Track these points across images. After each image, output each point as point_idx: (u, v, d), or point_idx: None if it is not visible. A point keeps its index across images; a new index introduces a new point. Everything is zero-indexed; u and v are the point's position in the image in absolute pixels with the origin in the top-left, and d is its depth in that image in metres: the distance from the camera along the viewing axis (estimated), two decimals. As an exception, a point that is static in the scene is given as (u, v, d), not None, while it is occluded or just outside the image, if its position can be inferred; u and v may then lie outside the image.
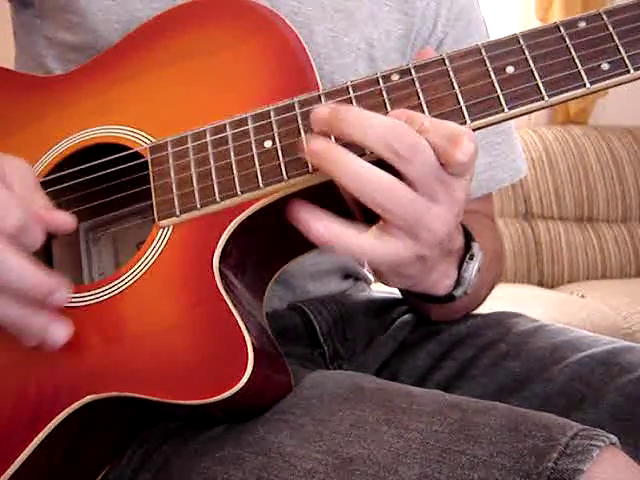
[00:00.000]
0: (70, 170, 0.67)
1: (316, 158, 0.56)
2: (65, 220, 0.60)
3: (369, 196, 0.55)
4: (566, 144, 3.12)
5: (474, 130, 0.58)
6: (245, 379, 0.54)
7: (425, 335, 0.83)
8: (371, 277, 0.97)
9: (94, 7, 0.76)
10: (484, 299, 0.86)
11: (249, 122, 0.62)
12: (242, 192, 0.60)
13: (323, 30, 0.80)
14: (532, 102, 0.57)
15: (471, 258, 0.68)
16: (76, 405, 0.57)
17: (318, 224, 0.55)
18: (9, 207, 0.56)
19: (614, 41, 0.57)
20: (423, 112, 0.58)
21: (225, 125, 0.62)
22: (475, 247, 0.69)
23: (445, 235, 0.58)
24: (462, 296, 0.70)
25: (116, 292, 0.61)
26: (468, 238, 0.69)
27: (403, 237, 0.56)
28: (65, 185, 0.67)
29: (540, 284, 2.98)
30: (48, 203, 0.61)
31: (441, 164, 0.55)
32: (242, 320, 0.57)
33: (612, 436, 0.51)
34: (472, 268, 0.68)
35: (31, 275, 0.56)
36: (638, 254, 3.04)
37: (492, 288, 0.86)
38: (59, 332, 0.58)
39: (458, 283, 0.69)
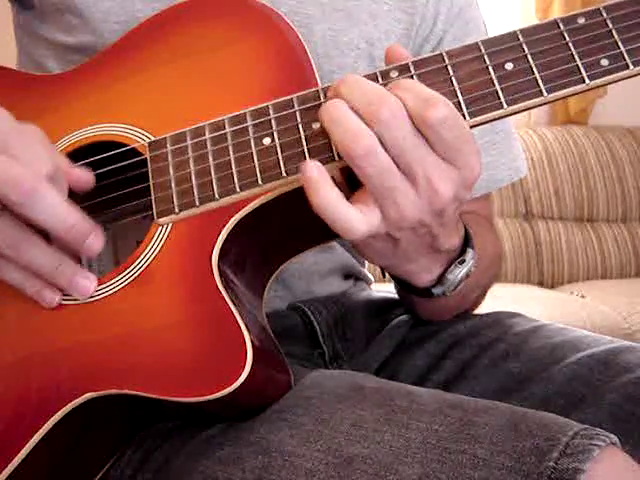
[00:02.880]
0: None
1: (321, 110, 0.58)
2: (85, 175, 0.62)
3: (352, 152, 0.55)
4: (566, 144, 3.12)
5: (472, 127, 0.58)
6: (243, 377, 0.54)
7: (425, 335, 0.83)
8: (371, 277, 0.97)
9: (93, 8, 0.76)
10: (478, 301, 0.86)
11: (248, 119, 0.62)
12: (241, 189, 0.60)
13: (323, 29, 0.80)
14: (531, 98, 0.57)
15: (461, 263, 0.68)
16: (75, 403, 0.57)
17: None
18: (43, 152, 0.58)
19: (613, 37, 0.57)
20: None
21: (224, 122, 0.62)
22: (469, 254, 0.69)
23: (415, 222, 0.58)
24: (440, 296, 0.69)
25: (115, 290, 0.61)
26: (466, 243, 0.69)
27: (373, 208, 0.57)
28: None
29: (540, 284, 2.99)
30: (67, 160, 0.63)
31: (416, 129, 0.56)
32: (241, 318, 0.56)
33: (612, 436, 0.51)
34: (459, 273, 0.68)
35: (73, 213, 0.58)
36: (638, 254, 3.04)
37: (487, 290, 0.86)
38: (87, 281, 0.60)
39: (439, 282, 0.68)
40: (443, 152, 0.56)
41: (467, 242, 0.69)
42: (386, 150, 0.56)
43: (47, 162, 0.58)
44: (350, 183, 0.59)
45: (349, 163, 0.56)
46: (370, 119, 0.55)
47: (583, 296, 2.65)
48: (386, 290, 0.94)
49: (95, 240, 0.59)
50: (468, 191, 0.59)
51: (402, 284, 0.71)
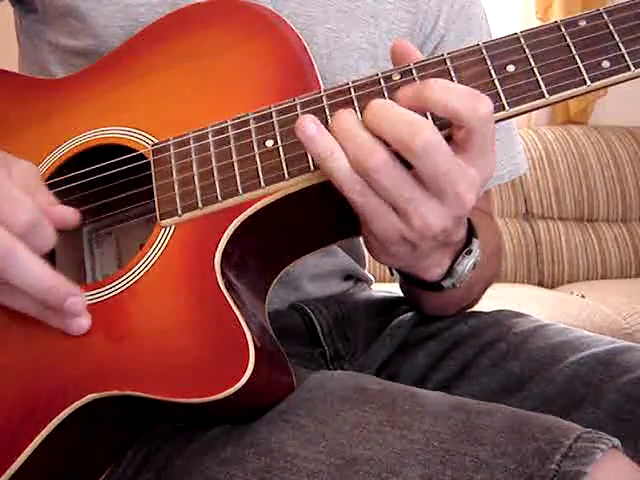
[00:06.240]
0: (73, 172, 0.67)
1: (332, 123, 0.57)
2: (71, 215, 0.61)
3: (367, 166, 0.55)
4: (566, 144, 3.12)
5: None
6: (246, 378, 0.54)
7: (425, 335, 0.83)
8: (372, 277, 0.97)
9: (97, 13, 0.76)
10: (479, 295, 0.85)
11: (251, 122, 0.62)
12: (244, 191, 0.60)
13: (325, 31, 0.80)
14: (533, 100, 0.57)
15: (468, 253, 0.68)
16: (78, 404, 0.57)
17: None
18: (20, 203, 0.56)
19: (614, 39, 0.57)
20: None
21: (227, 125, 0.62)
22: (475, 244, 0.69)
23: (439, 231, 0.58)
24: (450, 288, 0.69)
25: (117, 291, 0.61)
26: (470, 232, 0.69)
27: (395, 218, 0.57)
28: (68, 187, 0.67)
29: (540, 284, 2.98)
30: (53, 200, 0.61)
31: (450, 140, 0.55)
32: (243, 319, 0.56)
33: (615, 439, 0.51)
34: (467, 263, 0.68)
35: (48, 277, 0.57)
36: (638, 254, 3.04)
37: (489, 285, 0.86)
38: (81, 323, 0.59)
39: (449, 275, 0.68)
40: (474, 153, 0.55)
41: (471, 232, 0.69)
42: (420, 176, 0.55)
43: (24, 213, 0.56)
44: None
45: (364, 177, 0.55)
46: (402, 151, 0.54)
47: (583, 296, 2.65)
48: (387, 290, 0.94)
49: (73, 305, 0.58)
50: (483, 188, 0.59)
51: (411, 280, 0.71)
